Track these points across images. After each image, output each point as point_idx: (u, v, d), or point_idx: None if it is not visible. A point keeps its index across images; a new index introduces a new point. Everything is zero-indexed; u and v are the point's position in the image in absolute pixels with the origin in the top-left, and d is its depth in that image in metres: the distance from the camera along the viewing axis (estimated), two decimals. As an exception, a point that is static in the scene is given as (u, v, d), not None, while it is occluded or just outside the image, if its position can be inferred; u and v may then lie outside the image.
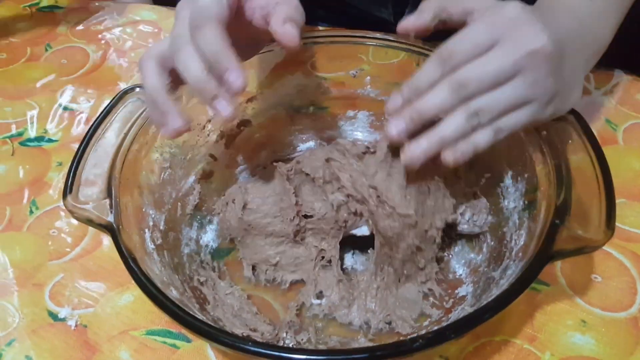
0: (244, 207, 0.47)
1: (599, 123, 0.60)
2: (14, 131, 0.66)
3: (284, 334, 0.44)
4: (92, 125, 0.46)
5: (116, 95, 0.48)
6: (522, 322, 0.45)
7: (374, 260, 0.46)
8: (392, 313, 0.45)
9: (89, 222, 0.41)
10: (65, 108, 0.69)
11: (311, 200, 0.47)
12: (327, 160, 0.46)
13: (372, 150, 0.46)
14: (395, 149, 0.44)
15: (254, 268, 0.49)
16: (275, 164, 0.49)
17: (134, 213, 0.43)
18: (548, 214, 0.39)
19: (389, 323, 0.45)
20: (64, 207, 0.55)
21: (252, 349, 0.32)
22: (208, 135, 0.54)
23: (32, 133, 0.65)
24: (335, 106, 0.60)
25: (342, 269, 0.49)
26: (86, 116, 0.67)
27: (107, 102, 0.67)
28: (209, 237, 0.52)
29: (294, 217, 0.46)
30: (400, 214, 0.42)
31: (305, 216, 0.47)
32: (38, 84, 0.72)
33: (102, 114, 0.46)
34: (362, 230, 0.48)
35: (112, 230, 0.39)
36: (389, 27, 0.75)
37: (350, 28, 0.78)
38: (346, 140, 0.47)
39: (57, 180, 0.59)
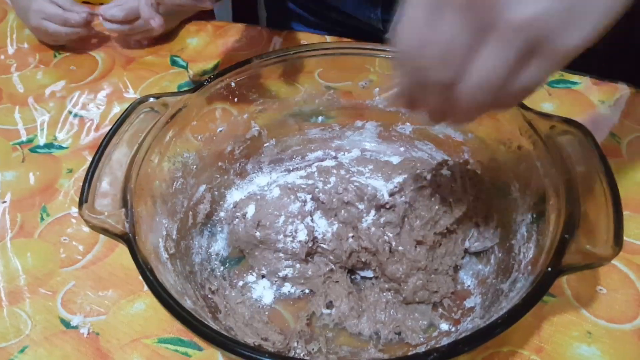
0: (258, 224, 0.47)
1: (603, 136, 0.61)
2: (24, 138, 0.66)
3: (295, 344, 0.44)
4: (107, 135, 0.46)
5: (130, 106, 0.48)
6: (529, 333, 0.46)
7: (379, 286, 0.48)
8: (401, 324, 0.45)
9: (105, 231, 0.41)
10: (74, 115, 0.69)
11: (322, 227, 0.48)
12: (347, 203, 0.47)
13: (388, 206, 0.47)
14: (411, 207, 0.46)
15: (263, 277, 0.50)
16: (290, 184, 0.50)
17: (148, 222, 0.44)
18: (557, 228, 0.39)
19: (399, 333, 0.45)
20: (75, 215, 0.56)
21: (269, 360, 0.33)
22: (219, 144, 0.54)
23: (42, 140, 0.66)
24: (344, 116, 0.60)
25: (351, 279, 0.49)
26: (96, 123, 0.68)
27: (116, 109, 0.69)
28: (219, 245, 0.53)
29: (307, 241, 0.47)
30: (409, 259, 0.45)
31: (315, 239, 0.48)
32: (47, 91, 0.73)
33: (116, 124, 0.47)
34: (366, 273, 0.49)
35: (128, 240, 0.40)
36: (377, 33, 0.76)
37: (339, 34, 0.80)
38: (369, 188, 0.47)
39: (68, 187, 0.60)
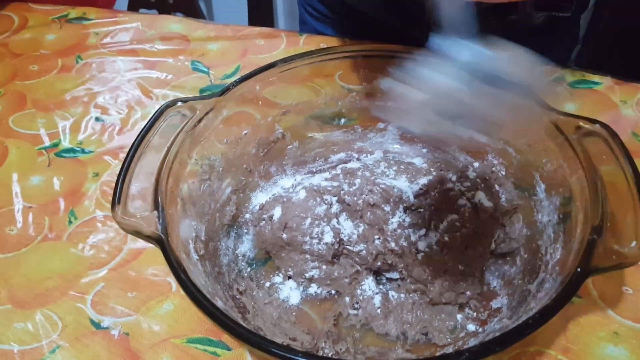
0: (285, 226, 0.48)
1: (624, 136, 0.61)
2: (48, 143, 0.67)
3: (323, 344, 0.45)
4: (137, 138, 0.47)
5: (158, 109, 0.49)
6: (555, 333, 0.46)
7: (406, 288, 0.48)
8: (428, 324, 0.46)
9: (137, 233, 0.42)
10: (97, 119, 0.70)
11: (348, 229, 0.48)
12: (372, 205, 0.47)
13: (414, 207, 0.47)
14: (437, 209, 0.47)
15: (290, 278, 0.50)
16: (316, 187, 0.50)
17: (178, 224, 0.44)
18: (585, 229, 0.40)
19: (426, 334, 0.45)
20: (101, 218, 0.57)
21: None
22: (244, 147, 0.55)
23: (66, 144, 0.67)
24: (365, 118, 0.61)
25: (377, 280, 0.50)
26: (119, 127, 0.69)
27: (138, 113, 0.70)
28: (245, 247, 0.53)
29: (333, 243, 0.47)
30: (436, 260, 0.45)
31: (341, 241, 0.48)
32: (70, 96, 0.74)
33: (145, 127, 0.47)
34: (392, 274, 0.49)
35: (160, 242, 0.40)
36: (418, 44, 0.76)
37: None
38: (394, 190, 0.47)
39: (94, 190, 0.61)
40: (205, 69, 0.76)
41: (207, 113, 0.49)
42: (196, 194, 0.49)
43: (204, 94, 0.57)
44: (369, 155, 0.60)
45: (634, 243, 0.38)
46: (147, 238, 0.41)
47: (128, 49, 0.81)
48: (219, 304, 0.40)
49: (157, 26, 0.85)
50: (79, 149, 0.66)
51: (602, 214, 0.40)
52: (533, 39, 0.76)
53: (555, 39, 0.78)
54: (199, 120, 0.49)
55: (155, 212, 0.42)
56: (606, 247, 0.38)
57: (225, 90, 0.51)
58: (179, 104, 0.49)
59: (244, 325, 0.41)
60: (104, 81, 0.76)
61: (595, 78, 0.68)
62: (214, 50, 0.79)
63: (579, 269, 0.37)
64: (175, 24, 0.85)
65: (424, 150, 0.59)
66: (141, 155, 0.46)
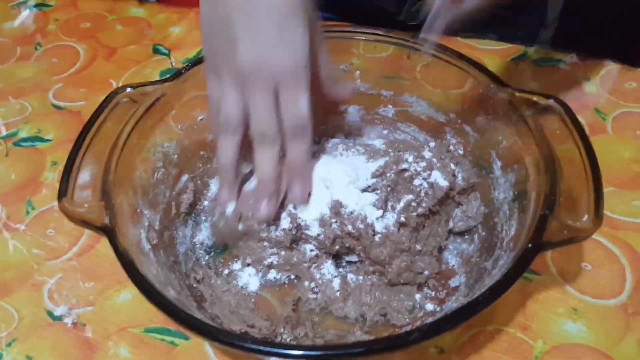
0: (240, 217, 0.47)
1: (588, 113, 0.61)
2: (6, 132, 0.66)
3: (282, 329, 0.44)
4: (84, 127, 0.46)
5: (107, 96, 0.48)
6: (514, 311, 0.46)
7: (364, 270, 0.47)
8: (387, 305, 0.45)
9: (85, 224, 0.41)
10: (57, 107, 0.69)
11: (305, 214, 0.47)
12: (328, 187, 0.47)
13: (370, 189, 0.46)
14: (393, 190, 0.46)
15: (249, 265, 0.50)
16: None
17: (129, 214, 0.44)
18: (538, 205, 0.40)
19: (384, 315, 0.45)
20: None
21: (251, 346, 0.33)
22: (200, 133, 0.54)
23: (25, 133, 0.65)
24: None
25: (337, 263, 0.49)
26: (79, 115, 0.67)
27: (99, 100, 0.68)
28: (204, 235, 0.52)
29: (290, 229, 0.47)
30: (393, 241, 0.44)
31: (299, 226, 0.47)
32: (29, 84, 0.72)
33: (93, 115, 0.46)
34: (351, 257, 0.49)
35: (108, 232, 0.40)
36: (390, 18, 0.75)
37: (350, 19, 0.79)
38: (351, 172, 0.47)
39: (52, 180, 0.59)
40: (166, 52, 0.75)
41: (158, 99, 0.48)
42: (149, 182, 0.48)
43: (159, 79, 0.55)
44: (329, 138, 0.59)
45: (585, 217, 0.38)
46: (95, 228, 0.40)
47: (89, 35, 0.79)
48: (172, 293, 0.40)
49: (118, 10, 0.83)
50: (38, 137, 0.65)
51: (554, 190, 0.39)
52: (503, 12, 0.75)
53: (524, 12, 0.77)
54: (150, 106, 0.48)
55: (103, 201, 0.41)
56: (559, 222, 0.38)
57: (177, 74, 0.50)
58: (128, 90, 0.48)
59: (199, 314, 0.41)
60: (64, 68, 0.74)
61: (559, 55, 0.68)
62: (176, 34, 0.78)
63: (530, 245, 0.37)
64: (136, 8, 0.83)
65: (385, 132, 0.58)
66: (89, 143, 0.45)
